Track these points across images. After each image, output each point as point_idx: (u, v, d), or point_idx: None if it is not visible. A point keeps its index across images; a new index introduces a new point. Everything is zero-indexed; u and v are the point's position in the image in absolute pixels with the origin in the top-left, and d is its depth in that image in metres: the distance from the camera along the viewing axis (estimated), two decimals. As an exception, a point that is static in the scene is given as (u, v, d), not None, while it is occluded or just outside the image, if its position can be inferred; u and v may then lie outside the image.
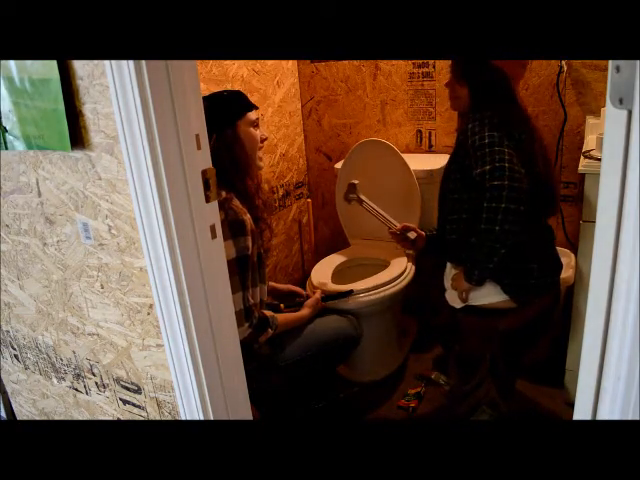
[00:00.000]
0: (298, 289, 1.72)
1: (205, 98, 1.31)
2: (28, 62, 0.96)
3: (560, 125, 1.85)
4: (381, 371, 1.94)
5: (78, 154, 1.00)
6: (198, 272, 0.98)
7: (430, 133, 2.14)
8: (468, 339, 1.51)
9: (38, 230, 1.18)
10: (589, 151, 1.49)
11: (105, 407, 1.33)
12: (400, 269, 1.85)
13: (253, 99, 1.42)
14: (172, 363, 1.05)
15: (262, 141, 1.43)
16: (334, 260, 2.03)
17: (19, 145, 1.07)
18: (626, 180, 0.54)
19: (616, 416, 0.61)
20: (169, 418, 1.18)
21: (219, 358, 1.06)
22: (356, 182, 1.70)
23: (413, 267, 1.93)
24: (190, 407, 1.08)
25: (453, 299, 1.43)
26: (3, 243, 1.28)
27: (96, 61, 0.89)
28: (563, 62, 1.78)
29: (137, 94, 0.83)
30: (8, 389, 1.62)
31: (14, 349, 1.47)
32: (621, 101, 0.52)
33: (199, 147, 0.94)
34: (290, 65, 2.25)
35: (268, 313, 1.41)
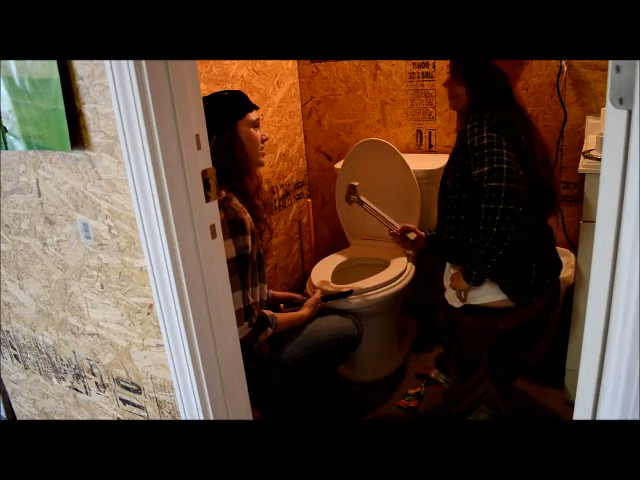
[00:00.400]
0: (297, 295, 1.72)
1: (205, 98, 1.32)
2: (28, 62, 0.96)
3: (560, 125, 1.85)
4: (381, 371, 1.94)
5: (78, 154, 1.00)
6: (198, 272, 0.98)
7: (430, 133, 2.14)
8: (466, 338, 1.51)
9: (38, 230, 1.18)
10: (589, 151, 1.49)
11: (105, 407, 1.33)
12: (400, 269, 1.85)
13: (253, 99, 1.42)
14: (172, 363, 1.05)
15: (263, 141, 1.43)
16: (334, 260, 2.03)
17: (19, 145, 1.07)
18: (626, 180, 0.54)
19: (616, 416, 0.61)
20: (169, 418, 1.18)
21: (219, 358, 1.06)
22: (356, 184, 1.70)
23: (413, 267, 1.93)
24: (190, 407, 1.08)
25: (452, 298, 1.44)
26: (3, 243, 1.28)
27: (96, 61, 0.89)
28: (563, 62, 1.78)
29: (137, 94, 0.83)
30: (8, 389, 1.62)
31: (14, 349, 1.47)
32: (621, 101, 0.52)
33: (199, 147, 0.94)
34: (290, 65, 2.25)
35: (268, 312, 1.41)
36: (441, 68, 2.01)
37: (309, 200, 2.48)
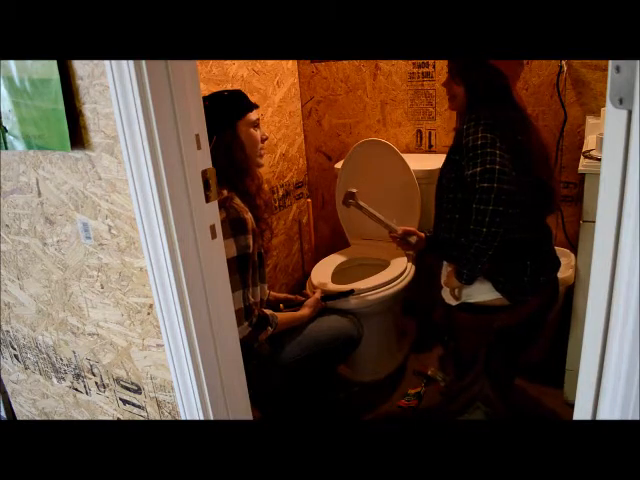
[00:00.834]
0: (295, 296, 1.72)
1: (205, 98, 1.31)
2: (28, 62, 0.96)
3: (560, 125, 1.85)
4: (381, 371, 1.94)
5: (78, 154, 1.00)
6: (198, 272, 0.98)
7: (430, 133, 2.14)
8: (462, 336, 1.52)
9: (38, 230, 1.18)
10: (589, 151, 1.49)
11: (105, 407, 1.33)
12: (400, 269, 1.85)
13: (253, 99, 1.42)
14: (172, 363, 1.05)
15: (263, 141, 1.43)
16: (334, 260, 2.03)
17: (19, 145, 1.07)
18: (626, 180, 0.54)
19: (616, 416, 0.61)
20: (169, 418, 1.18)
21: (219, 358, 1.06)
22: (354, 191, 1.69)
23: (413, 267, 1.93)
24: (190, 407, 1.08)
25: (448, 297, 1.44)
26: (3, 243, 1.28)
27: (96, 61, 0.89)
28: (563, 62, 1.78)
29: (137, 94, 0.83)
30: (8, 389, 1.62)
31: (14, 349, 1.47)
32: (621, 101, 0.52)
33: (199, 147, 0.94)
34: (290, 65, 2.25)
35: (268, 312, 1.41)
36: (441, 68, 2.01)
37: (309, 200, 2.48)
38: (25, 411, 1.61)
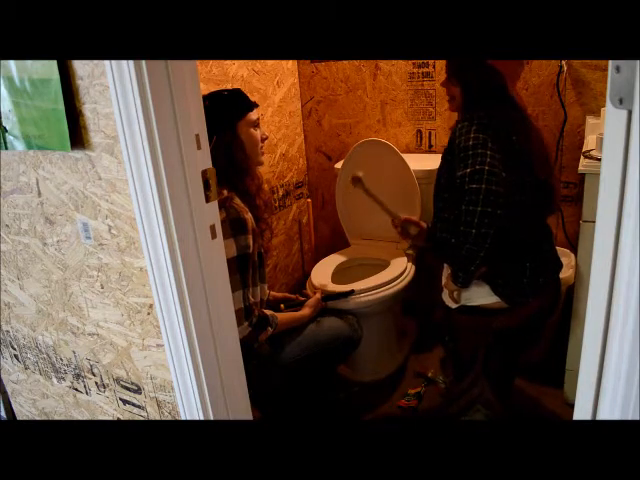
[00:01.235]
0: (293, 296, 1.72)
1: (205, 97, 1.31)
2: (28, 62, 0.96)
3: (560, 125, 1.85)
4: (381, 371, 1.94)
5: (78, 154, 1.00)
6: (198, 272, 0.98)
7: (430, 133, 2.14)
8: (462, 337, 1.51)
9: (38, 230, 1.18)
10: (589, 151, 1.49)
11: (105, 407, 1.33)
12: (400, 269, 1.85)
13: (253, 99, 1.42)
14: (172, 363, 1.05)
15: (262, 140, 1.43)
16: (334, 260, 2.03)
17: (19, 145, 1.07)
18: (626, 180, 0.54)
19: (616, 416, 0.61)
20: (169, 418, 1.18)
21: (219, 358, 1.06)
22: (360, 175, 1.65)
23: (413, 267, 1.93)
24: (190, 407, 1.08)
25: (448, 299, 1.43)
26: (3, 243, 1.28)
27: (96, 61, 0.89)
28: (563, 62, 1.78)
29: (137, 94, 0.83)
30: (8, 389, 1.62)
31: (14, 349, 1.47)
32: (621, 101, 0.52)
33: (199, 147, 0.94)
34: (290, 65, 2.25)
35: (268, 312, 1.41)
36: (441, 68, 2.01)
37: (309, 200, 2.48)
38: (25, 411, 1.61)
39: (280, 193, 2.30)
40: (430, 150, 2.16)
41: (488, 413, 1.51)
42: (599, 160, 1.40)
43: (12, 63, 0.98)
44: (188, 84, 0.89)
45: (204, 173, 0.96)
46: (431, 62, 2.03)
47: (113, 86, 0.85)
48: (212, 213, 0.99)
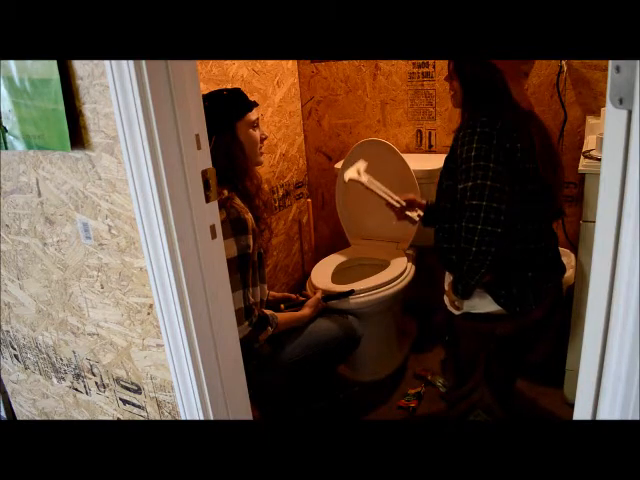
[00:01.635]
0: (293, 296, 1.71)
1: (204, 97, 1.31)
2: (28, 62, 0.96)
3: (560, 125, 1.85)
4: (381, 371, 1.94)
5: (78, 154, 1.00)
6: (198, 272, 0.98)
7: (430, 133, 2.14)
8: (464, 342, 1.50)
9: (38, 230, 1.18)
10: (589, 151, 1.49)
11: (105, 407, 1.33)
12: (400, 269, 1.85)
13: (253, 99, 1.42)
14: (172, 363, 1.05)
15: (262, 140, 1.43)
16: (334, 260, 2.03)
17: (19, 145, 1.07)
18: (626, 180, 0.54)
19: (616, 416, 0.61)
20: (169, 418, 1.18)
21: (219, 358, 1.06)
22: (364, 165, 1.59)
23: (413, 267, 1.93)
24: (190, 407, 1.08)
25: (450, 306, 1.42)
26: (3, 243, 1.28)
27: (96, 61, 0.89)
28: (563, 62, 1.78)
29: (137, 94, 0.83)
30: (8, 389, 1.62)
31: (14, 349, 1.47)
32: (621, 101, 0.52)
33: (199, 147, 0.94)
34: (290, 65, 2.25)
35: (268, 312, 1.41)
36: (441, 68, 2.01)
37: (309, 200, 2.48)
38: (25, 411, 1.61)
39: (280, 193, 2.30)
40: (430, 150, 2.16)
41: (488, 418, 1.51)
42: (599, 160, 1.39)
43: (12, 63, 0.98)
44: (188, 84, 0.89)
45: (204, 173, 0.96)
46: (431, 62, 2.03)
47: (113, 86, 0.85)
48: (212, 213, 0.99)
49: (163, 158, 0.87)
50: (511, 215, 1.16)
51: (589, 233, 1.44)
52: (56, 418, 1.50)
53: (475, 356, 1.48)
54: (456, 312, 1.39)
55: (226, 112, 1.35)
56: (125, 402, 1.26)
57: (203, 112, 0.95)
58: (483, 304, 1.33)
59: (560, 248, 1.48)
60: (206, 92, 1.35)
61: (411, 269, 1.91)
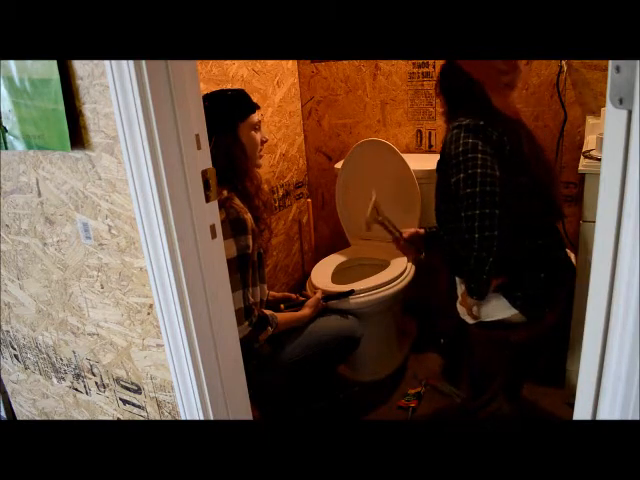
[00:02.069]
0: (293, 295, 1.72)
1: (207, 96, 1.31)
2: (28, 62, 0.96)
3: (560, 125, 1.85)
4: (381, 371, 1.94)
5: (78, 154, 1.00)
6: (198, 272, 0.98)
7: (430, 133, 2.14)
8: (478, 351, 1.49)
9: (38, 230, 1.18)
10: (589, 151, 1.49)
11: (105, 407, 1.33)
12: (400, 269, 1.85)
13: (253, 99, 1.42)
14: (172, 363, 1.05)
15: (262, 143, 1.43)
16: (334, 260, 2.03)
17: (19, 145, 1.07)
18: (626, 180, 0.54)
19: (616, 416, 0.61)
20: (169, 418, 1.18)
21: (219, 358, 1.06)
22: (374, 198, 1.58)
23: (413, 267, 1.93)
24: (190, 407, 1.08)
25: (465, 315, 1.41)
26: (3, 243, 1.28)
27: (96, 61, 0.89)
28: (563, 62, 1.78)
29: (137, 94, 0.83)
30: (8, 389, 1.62)
31: (14, 349, 1.47)
32: (621, 101, 0.52)
33: (199, 147, 0.94)
34: (290, 65, 2.25)
35: (268, 312, 1.41)
36: (441, 68, 2.01)
37: (309, 200, 2.48)
38: (25, 411, 1.61)
39: (280, 193, 2.30)
40: (430, 150, 2.16)
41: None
42: (599, 160, 1.39)
43: (12, 63, 0.98)
44: (188, 84, 0.89)
45: (204, 173, 0.96)
46: (431, 62, 2.03)
47: (113, 86, 0.85)
48: (212, 213, 0.99)
49: (163, 158, 0.87)
50: (509, 203, 1.18)
51: (589, 233, 1.44)
52: (56, 418, 1.50)
53: (490, 365, 1.47)
54: (471, 321, 1.38)
55: (229, 112, 1.35)
56: (125, 402, 1.26)
57: (203, 112, 0.95)
58: (498, 310, 1.33)
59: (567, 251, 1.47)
60: (206, 92, 1.35)
61: (411, 269, 1.91)
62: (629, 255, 0.55)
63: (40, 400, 1.52)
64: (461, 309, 1.41)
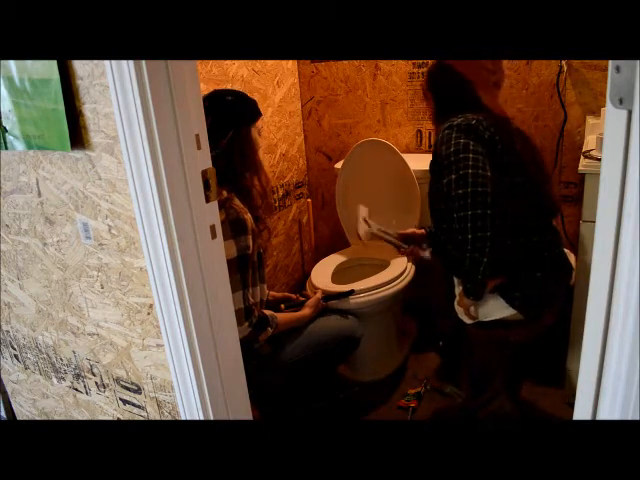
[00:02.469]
0: (293, 295, 1.72)
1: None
2: (28, 62, 0.96)
3: (560, 125, 1.85)
4: (381, 371, 1.94)
5: (78, 154, 1.00)
6: (198, 272, 0.98)
7: (430, 133, 2.14)
8: (478, 351, 1.49)
9: (38, 230, 1.18)
10: (589, 151, 1.49)
11: (105, 407, 1.33)
12: (400, 269, 1.85)
13: (253, 99, 1.43)
14: (172, 363, 1.05)
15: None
16: (334, 260, 2.03)
17: (19, 145, 1.07)
18: (626, 180, 0.54)
19: (616, 416, 0.61)
20: (169, 418, 1.18)
21: (219, 358, 1.06)
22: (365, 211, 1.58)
23: (413, 267, 1.93)
24: (190, 407, 1.08)
25: (463, 315, 1.40)
26: (3, 243, 1.28)
27: (96, 61, 0.89)
28: (563, 62, 1.78)
29: (137, 94, 0.83)
30: (8, 389, 1.62)
31: (14, 349, 1.47)
32: (621, 101, 0.52)
33: (199, 147, 0.94)
34: (290, 65, 2.25)
35: (268, 312, 1.41)
36: (441, 68, 2.01)
37: (309, 200, 2.48)
38: (25, 411, 1.61)
39: (280, 193, 2.30)
40: (430, 150, 2.14)
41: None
42: (599, 160, 1.39)
43: (12, 63, 0.98)
44: (188, 84, 0.89)
45: (204, 173, 0.96)
46: (431, 62, 2.03)
47: (113, 86, 0.85)
48: (212, 213, 0.99)
49: (163, 158, 0.87)
50: (501, 203, 1.17)
51: (589, 233, 1.44)
52: (56, 418, 1.50)
53: (490, 365, 1.47)
54: (469, 321, 1.38)
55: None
56: (125, 402, 1.26)
57: (203, 112, 0.95)
58: (496, 310, 1.32)
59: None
60: (206, 92, 1.36)
61: (411, 269, 1.91)
62: (629, 255, 0.55)
63: (40, 400, 1.52)
64: (459, 309, 1.42)
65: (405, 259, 1.92)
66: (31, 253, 1.23)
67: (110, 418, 1.33)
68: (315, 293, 1.65)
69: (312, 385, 1.68)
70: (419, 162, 2.00)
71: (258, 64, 2.03)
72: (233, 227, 1.28)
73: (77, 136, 0.98)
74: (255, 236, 1.36)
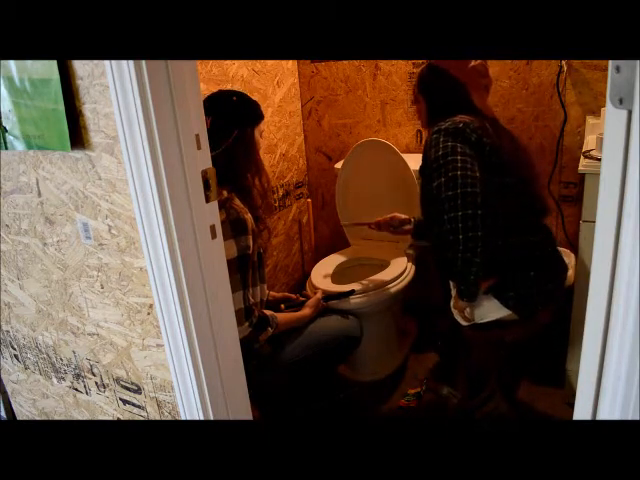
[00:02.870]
0: (292, 295, 1.72)
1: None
2: (28, 62, 0.96)
3: (560, 125, 1.85)
4: (381, 371, 1.94)
5: (78, 154, 1.00)
6: (198, 272, 0.98)
7: (430, 133, 2.14)
8: (474, 352, 1.49)
9: (38, 230, 1.18)
10: (589, 151, 1.49)
11: (105, 407, 1.33)
12: (400, 269, 1.85)
13: (253, 99, 1.43)
14: (172, 363, 1.05)
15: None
16: (334, 260, 2.03)
17: (19, 145, 1.07)
18: (626, 180, 0.54)
19: (616, 416, 0.61)
20: (169, 418, 1.18)
21: (219, 358, 1.06)
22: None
23: (413, 267, 1.93)
24: (190, 407, 1.08)
25: (460, 318, 1.40)
26: (3, 243, 1.28)
27: (96, 61, 0.89)
28: (563, 62, 1.78)
29: (137, 94, 0.83)
30: (8, 389, 1.62)
31: (14, 349, 1.47)
32: (621, 101, 0.52)
33: (199, 147, 0.94)
34: (290, 65, 2.25)
35: (268, 312, 1.41)
36: (441, 68, 2.01)
37: (309, 200, 2.48)
38: (25, 411, 1.61)
39: (280, 193, 2.30)
40: (430, 150, 2.16)
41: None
42: (599, 160, 1.39)
43: (12, 63, 0.98)
44: (188, 84, 0.89)
45: (204, 173, 0.96)
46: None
47: (113, 86, 0.85)
48: (212, 213, 0.99)
49: (163, 158, 0.87)
50: (491, 203, 1.18)
51: (589, 233, 1.44)
52: (56, 418, 1.50)
53: (486, 365, 1.47)
54: (465, 323, 1.38)
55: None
56: (125, 402, 1.26)
57: (203, 112, 0.95)
58: (491, 311, 1.33)
59: (560, 248, 1.48)
60: (206, 92, 1.36)
61: (411, 269, 1.91)
62: (629, 255, 0.55)
63: (40, 400, 1.52)
64: (454, 312, 1.42)
65: (405, 259, 1.93)
66: (31, 253, 1.23)
67: (110, 418, 1.33)
68: (315, 293, 1.65)
69: (312, 385, 1.68)
70: (419, 162, 1.99)
71: (258, 64, 2.03)
72: (233, 227, 1.28)
73: (77, 136, 0.98)
74: (255, 236, 1.36)
